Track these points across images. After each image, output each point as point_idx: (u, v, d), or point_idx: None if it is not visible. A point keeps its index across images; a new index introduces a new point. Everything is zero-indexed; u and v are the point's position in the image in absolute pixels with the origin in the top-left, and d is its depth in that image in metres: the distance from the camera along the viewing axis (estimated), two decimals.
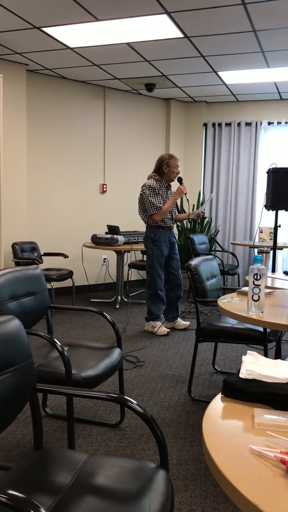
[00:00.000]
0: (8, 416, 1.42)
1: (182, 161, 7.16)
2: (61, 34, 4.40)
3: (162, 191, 4.47)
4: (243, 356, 1.48)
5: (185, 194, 4.51)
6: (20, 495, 0.99)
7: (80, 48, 4.80)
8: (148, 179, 4.50)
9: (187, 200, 4.83)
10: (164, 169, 4.46)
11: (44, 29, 4.29)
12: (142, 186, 4.49)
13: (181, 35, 4.33)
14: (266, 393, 1.25)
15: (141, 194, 4.51)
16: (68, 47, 4.79)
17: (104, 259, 6.73)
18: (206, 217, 7.10)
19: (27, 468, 1.41)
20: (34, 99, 5.83)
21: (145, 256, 6.81)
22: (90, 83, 6.32)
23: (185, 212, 6.48)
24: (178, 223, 6.81)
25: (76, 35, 4.40)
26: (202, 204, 6.98)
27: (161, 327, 4.58)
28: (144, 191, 4.44)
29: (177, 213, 4.73)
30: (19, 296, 2.40)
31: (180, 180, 4.57)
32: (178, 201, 6.59)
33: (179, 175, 4.55)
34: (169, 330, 4.63)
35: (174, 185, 4.60)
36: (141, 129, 6.94)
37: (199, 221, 6.84)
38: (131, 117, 6.82)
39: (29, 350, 1.50)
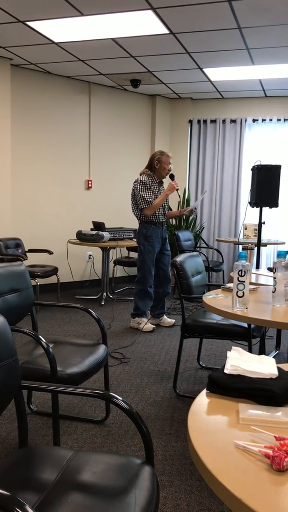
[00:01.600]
0: None
1: None
2: (46, 28, 4.35)
3: (154, 187, 4.48)
4: (228, 352, 1.49)
5: (177, 190, 4.53)
6: (4, 492, 0.99)
7: (65, 43, 4.76)
8: (141, 175, 4.52)
9: (179, 196, 4.81)
10: (155, 165, 4.47)
11: (28, 23, 4.24)
12: (134, 182, 4.51)
13: (166, 31, 4.32)
14: (251, 389, 1.26)
15: (133, 190, 4.52)
16: (53, 42, 4.75)
17: (89, 255, 6.71)
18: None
19: (12, 466, 1.41)
20: (18, 94, 5.76)
21: (131, 252, 6.82)
22: (75, 79, 6.27)
23: (171, 209, 6.49)
24: None
25: (61, 29, 4.36)
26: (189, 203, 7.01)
27: (146, 324, 4.59)
28: (136, 186, 4.46)
29: (169, 210, 4.76)
30: (3, 292, 2.38)
31: (172, 176, 4.58)
32: (170, 198, 6.59)
33: (171, 172, 4.56)
34: (154, 326, 4.64)
35: (166, 182, 4.60)
36: (126, 125, 6.92)
37: (193, 216, 6.86)
38: (116, 113, 6.79)
39: (13, 347, 1.49)
